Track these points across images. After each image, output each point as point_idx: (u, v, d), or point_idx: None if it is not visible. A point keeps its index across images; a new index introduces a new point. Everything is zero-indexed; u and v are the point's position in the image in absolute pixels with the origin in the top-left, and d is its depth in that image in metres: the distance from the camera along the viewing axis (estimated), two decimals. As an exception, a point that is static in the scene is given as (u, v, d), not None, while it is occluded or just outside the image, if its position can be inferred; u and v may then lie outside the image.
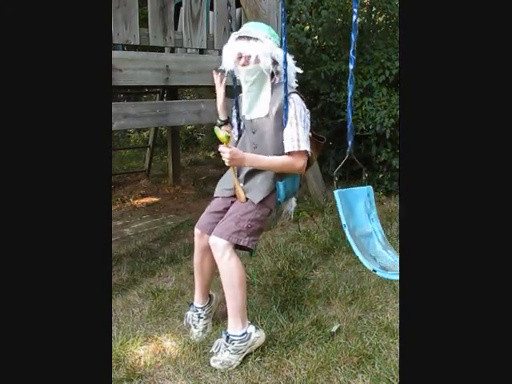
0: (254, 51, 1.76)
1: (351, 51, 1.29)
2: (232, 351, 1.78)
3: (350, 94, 1.33)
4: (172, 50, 3.41)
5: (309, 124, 1.83)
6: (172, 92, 4.67)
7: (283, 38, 1.68)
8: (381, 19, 4.93)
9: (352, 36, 1.27)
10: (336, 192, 1.37)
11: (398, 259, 1.36)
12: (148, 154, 5.21)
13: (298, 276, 2.53)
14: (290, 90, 1.76)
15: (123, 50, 3.70)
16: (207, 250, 1.85)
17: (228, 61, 1.85)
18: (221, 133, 1.79)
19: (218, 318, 2.12)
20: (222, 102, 2.04)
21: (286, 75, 1.72)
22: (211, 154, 6.72)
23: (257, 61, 1.76)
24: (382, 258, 1.37)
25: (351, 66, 1.30)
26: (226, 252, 1.76)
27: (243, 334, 1.79)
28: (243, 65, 1.79)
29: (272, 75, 1.84)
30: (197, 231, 1.94)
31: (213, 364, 1.78)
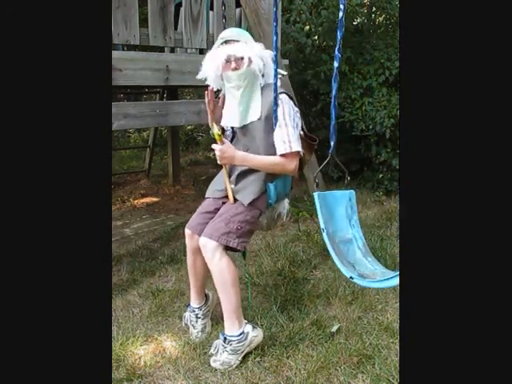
0: (247, 52, 1.74)
1: (336, 49, 1.25)
2: (230, 352, 1.78)
3: (333, 92, 1.29)
4: (172, 50, 3.41)
5: (299, 123, 1.82)
6: (172, 92, 4.67)
7: (274, 38, 1.67)
8: (381, 19, 4.93)
9: (338, 33, 1.24)
10: (315, 194, 1.34)
11: (377, 267, 1.32)
12: (148, 154, 5.21)
13: (298, 276, 2.53)
14: (278, 90, 1.74)
15: (123, 50, 3.70)
16: (198, 250, 1.84)
17: (212, 68, 1.80)
18: (214, 129, 1.78)
19: (218, 317, 2.12)
20: (212, 118, 1.91)
21: (276, 76, 1.70)
22: (211, 154, 6.71)
23: (250, 62, 1.74)
24: (361, 266, 1.34)
25: (336, 64, 1.26)
26: (216, 253, 1.76)
27: (240, 334, 1.79)
28: (234, 69, 1.75)
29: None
30: (187, 231, 1.94)
31: (213, 364, 1.78)
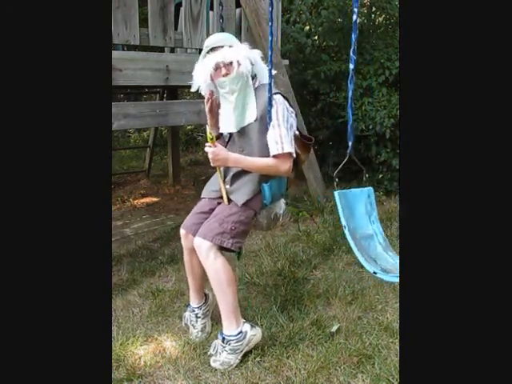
0: (234, 56, 1.73)
1: (351, 51, 1.28)
2: (229, 351, 1.78)
3: (349, 94, 1.33)
4: (172, 50, 3.41)
5: (293, 124, 1.81)
6: (172, 92, 4.67)
7: (270, 38, 1.66)
8: (381, 19, 4.93)
9: (352, 36, 1.27)
10: (336, 193, 1.37)
11: (398, 261, 1.35)
12: (148, 153, 5.21)
13: (298, 276, 2.53)
14: (273, 91, 1.74)
15: (123, 50, 3.70)
16: (194, 249, 1.84)
17: (202, 78, 1.79)
18: (207, 132, 1.78)
19: (218, 317, 2.12)
20: (214, 120, 1.93)
21: (270, 76, 1.70)
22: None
23: (239, 65, 1.73)
24: (383, 260, 1.36)
25: (351, 66, 1.30)
26: (211, 253, 1.76)
27: (238, 334, 1.79)
28: (226, 74, 1.74)
29: (252, 79, 1.81)
30: (182, 231, 1.94)
31: (213, 364, 1.78)
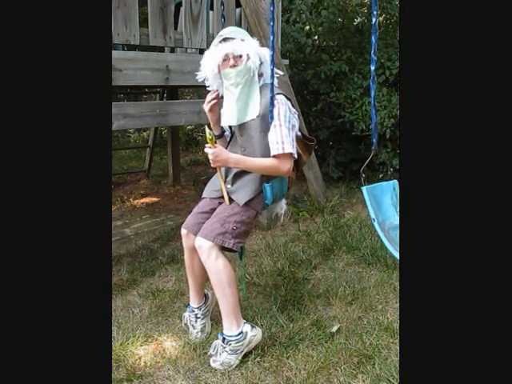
0: (245, 50, 1.74)
1: (372, 52, 1.31)
2: (230, 352, 1.78)
3: (372, 93, 1.35)
4: (172, 50, 3.41)
5: (295, 124, 1.81)
6: (172, 92, 4.67)
7: (271, 38, 1.66)
8: (381, 19, 4.92)
9: (372, 38, 1.30)
10: (364, 188, 1.40)
11: None
12: (148, 153, 5.21)
13: (298, 276, 2.53)
14: (275, 91, 1.74)
15: (123, 49, 3.70)
16: (195, 249, 1.83)
17: (210, 67, 1.79)
18: (207, 133, 1.77)
19: (218, 318, 2.12)
20: (215, 120, 1.92)
21: (272, 76, 1.70)
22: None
23: (248, 59, 1.74)
24: None
25: (373, 67, 1.33)
26: (212, 253, 1.76)
27: (239, 334, 1.79)
28: (233, 66, 1.74)
29: (258, 76, 1.82)
30: (183, 231, 1.94)
31: (213, 364, 1.78)
